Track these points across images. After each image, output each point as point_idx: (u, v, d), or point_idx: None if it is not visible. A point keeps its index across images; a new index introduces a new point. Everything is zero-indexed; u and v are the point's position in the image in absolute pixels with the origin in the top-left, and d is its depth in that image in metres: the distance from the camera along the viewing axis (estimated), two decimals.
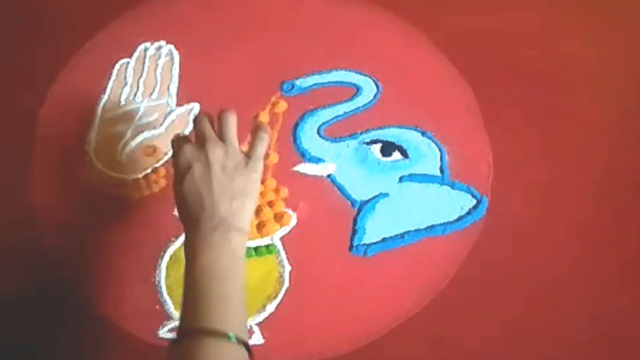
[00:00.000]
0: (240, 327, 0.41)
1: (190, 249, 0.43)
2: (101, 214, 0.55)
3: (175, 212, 0.54)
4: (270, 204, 0.56)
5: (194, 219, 0.44)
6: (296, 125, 0.58)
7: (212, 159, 0.45)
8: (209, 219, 0.44)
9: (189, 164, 0.46)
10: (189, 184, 0.45)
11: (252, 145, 0.49)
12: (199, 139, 0.48)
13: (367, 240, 0.54)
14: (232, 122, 0.48)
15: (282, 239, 0.55)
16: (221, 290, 0.42)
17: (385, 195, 0.56)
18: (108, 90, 0.60)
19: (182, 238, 0.54)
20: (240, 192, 0.45)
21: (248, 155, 0.48)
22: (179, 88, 0.60)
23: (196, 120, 0.49)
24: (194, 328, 0.40)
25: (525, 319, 0.52)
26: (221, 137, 0.48)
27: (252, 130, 0.50)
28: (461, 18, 0.63)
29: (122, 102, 0.60)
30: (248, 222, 0.46)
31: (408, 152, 0.57)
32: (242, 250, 0.45)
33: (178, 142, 0.48)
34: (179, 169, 0.46)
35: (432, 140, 0.58)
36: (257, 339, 0.52)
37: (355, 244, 0.54)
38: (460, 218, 0.55)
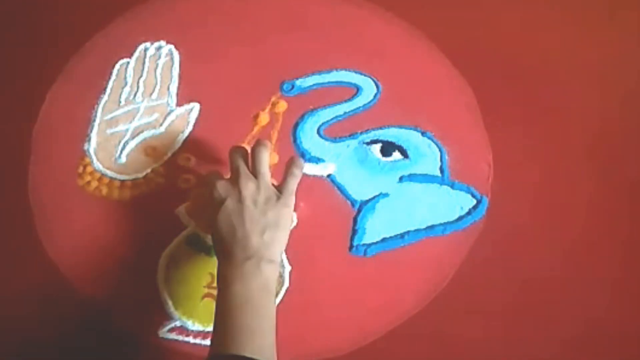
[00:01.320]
0: (270, 358, 0.43)
1: (223, 278, 0.45)
2: (101, 214, 0.55)
3: (176, 210, 0.55)
4: None
5: (228, 250, 0.46)
6: (296, 125, 0.58)
7: (245, 193, 0.47)
8: (241, 250, 0.46)
9: (222, 199, 0.47)
10: (222, 218, 0.47)
11: (284, 180, 0.50)
12: (232, 174, 0.49)
13: (367, 240, 0.54)
14: (264, 157, 0.50)
15: None
16: (253, 322, 0.43)
17: (385, 195, 0.56)
18: (108, 90, 0.60)
19: (181, 237, 0.54)
20: (271, 224, 0.47)
21: (279, 189, 0.49)
22: (179, 88, 0.60)
23: (230, 154, 0.51)
24: (226, 355, 0.42)
25: (525, 319, 0.52)
26: (254, 171, 0.49)
27: (286, 164, 0.51)
28: (461, 18, 0.63)
29: (122, 102, 0.60)
30: (279, 254, 0.48)
31: (408, 152, 0.57)
32: (274, 281, 0.46)
33: (211, 178, 0.50)
34: (214, 204, 0.48)
35: (432, 140, 0.58)
36: None
37: (355, 244, 0.54)
38: (460, 218, 0.55)
